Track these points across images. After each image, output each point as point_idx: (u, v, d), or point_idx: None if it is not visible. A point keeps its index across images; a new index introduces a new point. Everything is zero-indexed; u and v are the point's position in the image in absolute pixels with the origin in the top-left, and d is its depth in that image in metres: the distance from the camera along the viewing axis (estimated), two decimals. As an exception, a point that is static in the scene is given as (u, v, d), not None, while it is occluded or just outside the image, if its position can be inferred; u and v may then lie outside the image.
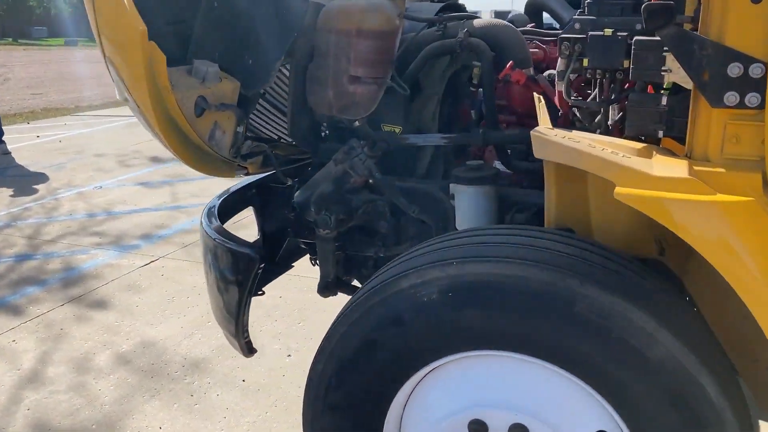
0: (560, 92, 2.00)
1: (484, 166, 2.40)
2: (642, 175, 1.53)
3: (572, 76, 1.99)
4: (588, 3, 1.91)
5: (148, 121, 2.10)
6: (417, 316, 1.80)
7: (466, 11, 2.75)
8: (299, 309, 4.52)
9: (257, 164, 2.71)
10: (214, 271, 2.43)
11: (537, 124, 2.48)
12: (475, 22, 2.45)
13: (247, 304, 2.40)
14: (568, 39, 1.87)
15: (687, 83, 1.71)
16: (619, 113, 1.93)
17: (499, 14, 3.71)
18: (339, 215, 2.54)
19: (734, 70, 1.58)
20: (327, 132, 2.76)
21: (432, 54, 2.48)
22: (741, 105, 1.60)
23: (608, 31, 1.83)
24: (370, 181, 2.50)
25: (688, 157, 1.72)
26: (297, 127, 2.68)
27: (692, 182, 1.51)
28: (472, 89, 2.62)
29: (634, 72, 1.74)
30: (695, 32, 1.60)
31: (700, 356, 1.63)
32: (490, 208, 2.39)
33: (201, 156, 2.33)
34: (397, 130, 2.65)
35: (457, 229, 2.45)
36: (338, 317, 1.95)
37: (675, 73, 1.70)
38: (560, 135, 1.65)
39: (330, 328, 1.96)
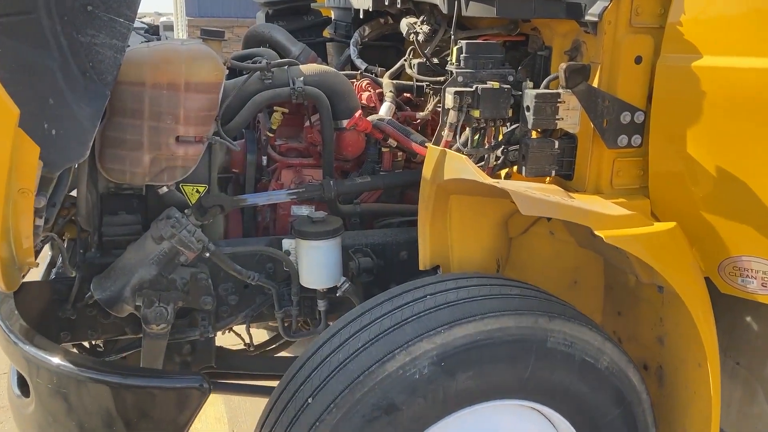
0: (447, 141, 2.06)
1: (330, 218, 2.29)
2: (606, 217, 1.75)
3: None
4: (464, 57, 2.01)
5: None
6: (411, 396, 1.70)
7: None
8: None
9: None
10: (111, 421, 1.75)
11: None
12: (303, 69, 2.28)
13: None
14: (459, 93, 1.95)
15: (573, 129, 1.99)
16: (498, 156, 2.10)
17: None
18: (176, 303, 2.11)
19: (626, 117, 1.92)
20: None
21: (262, 103, 2.23)
22: (628, 145, 1.95)
23: (495, 84, 1.98)
24: (207, 255, 2.14)
25: (583, 191, 2.02)
26: (86, 203, 2.11)
27: (638, 217, 1.80)
28: (270, 134, 2.45)
29: (535, 121, 1.94)
30: (599, 89, 1.88)
31: (624, 354, 1.96)
32: (339, 257, 2.31)
33: (13, 268, 1.67)
34: (200, 190, 2.31)
35: (302, 286, 2.30)
36: (306, 423, 1.69)
37: (565, 120, 1.96)
38: (535, 192, 1.75)
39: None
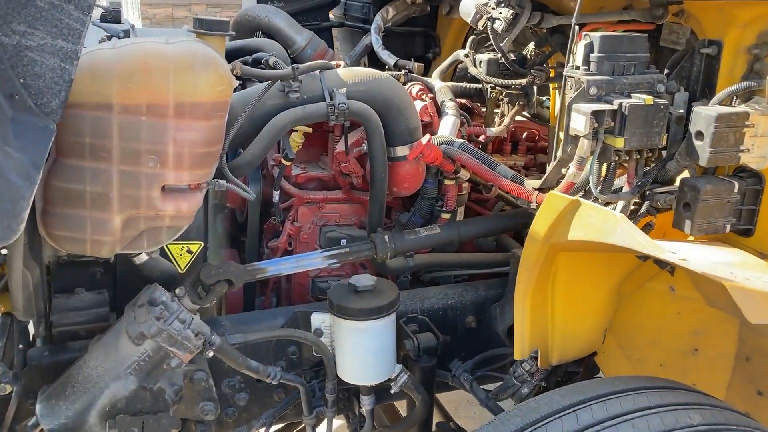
0: (570, 183, 1.40)
1: (381, 285, 1.61)
2: None
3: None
4: (598, 58, 1.34)
5: None
6: None
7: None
8: None
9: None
10: None
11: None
12: (343, 75, 1.57)
13: None
14: (598, 112, 1.28)
15: (761, 164, 1.35)
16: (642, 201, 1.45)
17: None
18: (169, 431, 1.42)
19: None
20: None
21: (287, 127, 1.52)
22: None
23: (648, 100, 1.32)
24: (209, 353, 1.45)
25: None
26: (25, 288, 1.39)
27: None
28: (286, 162, 1.75)
29: (713, 154, 1.29)
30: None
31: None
32: (394, 340, 1.65)
33: None
34: (193, 249, 1.62)
35: (338, 378, 1.63)
36: None
37: (751, 152, 1.32)
38: (754, 281, 1.10)
39: None
